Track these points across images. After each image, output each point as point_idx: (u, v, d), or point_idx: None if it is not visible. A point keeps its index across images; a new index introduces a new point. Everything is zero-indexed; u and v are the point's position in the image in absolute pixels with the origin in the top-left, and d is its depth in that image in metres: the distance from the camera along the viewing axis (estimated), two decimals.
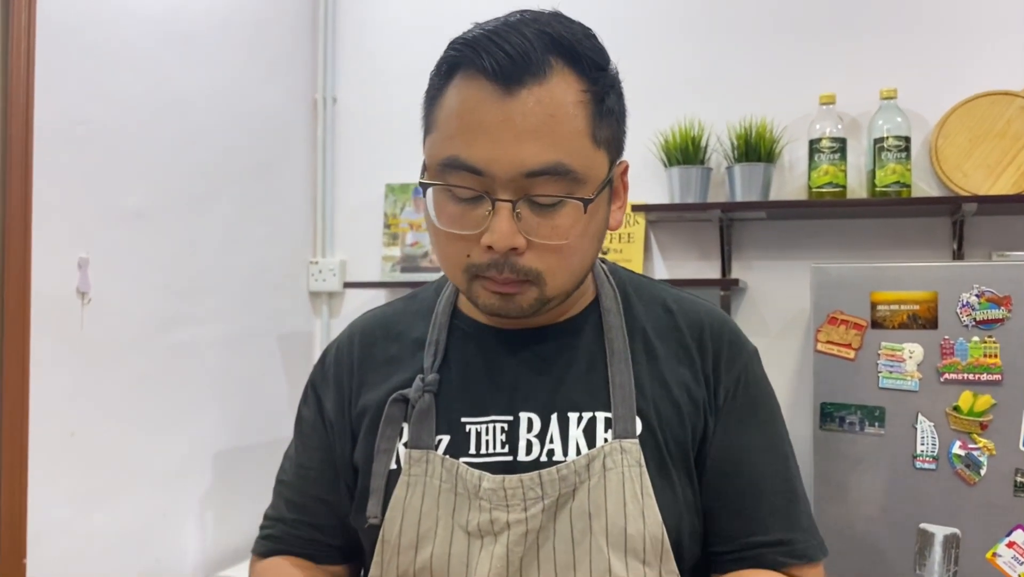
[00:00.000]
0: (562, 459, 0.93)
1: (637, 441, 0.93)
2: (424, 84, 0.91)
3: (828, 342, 1.84)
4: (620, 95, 0.92)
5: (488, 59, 0.83)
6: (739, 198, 2.48)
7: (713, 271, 2.62)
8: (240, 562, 2.50)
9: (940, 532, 1.78)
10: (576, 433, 0.95)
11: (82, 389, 2.05)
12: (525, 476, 0.92)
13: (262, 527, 1.10)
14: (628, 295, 1.03)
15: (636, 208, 2.55)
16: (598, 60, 0.87)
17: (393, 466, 0.97)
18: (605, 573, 0.90)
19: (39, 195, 1.91)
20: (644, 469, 0.92)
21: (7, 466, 1.82)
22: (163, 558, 2.32)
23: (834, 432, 1.85)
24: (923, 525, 1.80)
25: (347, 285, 2.96)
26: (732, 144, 2.54)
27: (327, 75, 3.00)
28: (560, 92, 0.84)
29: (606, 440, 0.93)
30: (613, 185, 0.94)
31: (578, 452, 0.94)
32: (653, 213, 2.59)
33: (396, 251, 2.92)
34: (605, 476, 0.92)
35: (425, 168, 0.91)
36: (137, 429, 2.21)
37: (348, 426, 1.03)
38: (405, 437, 0.98)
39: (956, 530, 1.78)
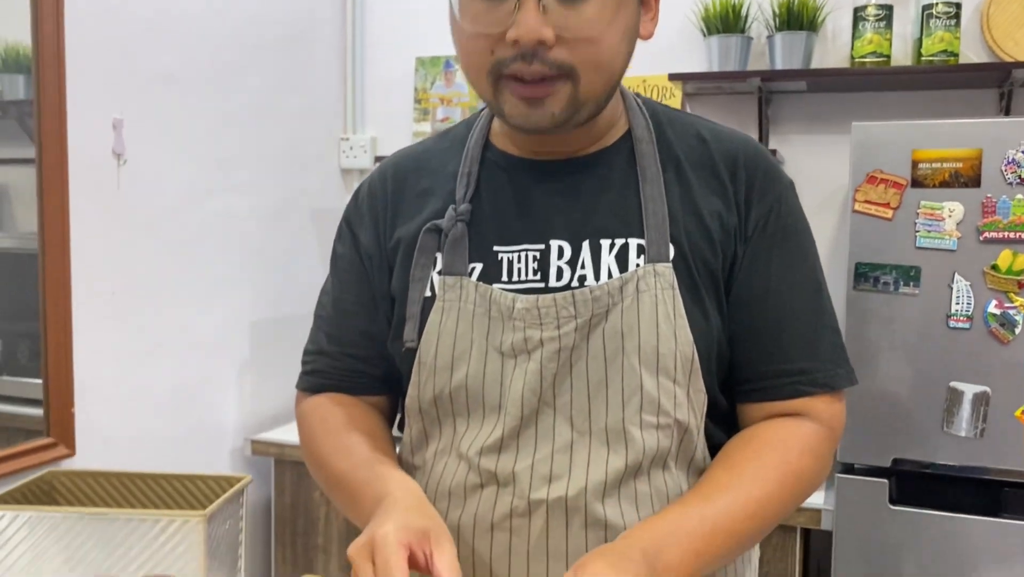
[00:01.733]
0: (594, 284, 0.94)
1: (670, 265, 0.94)
2: None
3: (866, 202, 1.81)
4: None
5: None
6: (779, 68, 2.41)
7: None
8: (278, 426, 2.59)
9: (970, 390, 1.78)
10: (608, 259, 0.95)
11: (120, 250, 2.08)
12: (559, 295, 0.93)
13: (304, 363, 1.12)
14: (661, 125, 1.02)
15: (673, 77, 2.48)
16: None
17: (428, 293, 0.99)
18: (636, 390, 0.92)
19: (71, 52, 1.89)
20: (677, 292, 0.93)
21: (51, 317, 1.86)
22: (205, 419, 2.40)
23: (867, 292, 1.83)
24: (953, 383, 1.80)
25: (378, 161, 2.95)
26: (774, 12, 2.45)
27: None
28: None
29: (638, 265, 0.94)
30: None
31: (610, 276, 0.94)
32: (691, 84, 2.52)
33: (427, 127, 2.89)
34: (638, 298, 0.93)
35: None
36: (174, 294, 2.25)
37: (384, 258, 1.05)
38: (439, 265, 0.99)
39: (986, 388, 1.78)
